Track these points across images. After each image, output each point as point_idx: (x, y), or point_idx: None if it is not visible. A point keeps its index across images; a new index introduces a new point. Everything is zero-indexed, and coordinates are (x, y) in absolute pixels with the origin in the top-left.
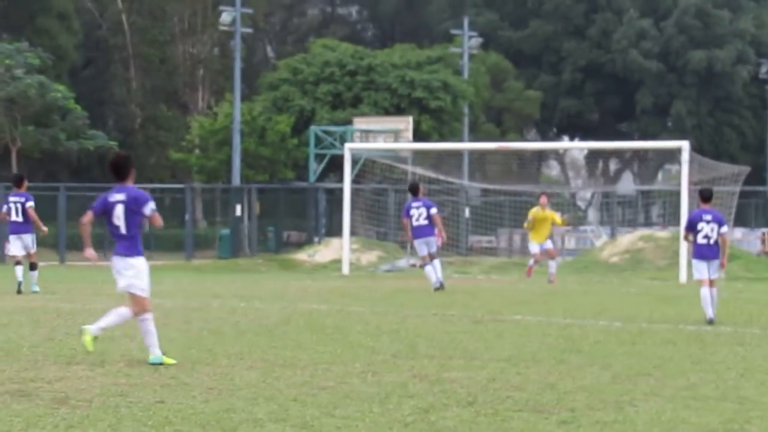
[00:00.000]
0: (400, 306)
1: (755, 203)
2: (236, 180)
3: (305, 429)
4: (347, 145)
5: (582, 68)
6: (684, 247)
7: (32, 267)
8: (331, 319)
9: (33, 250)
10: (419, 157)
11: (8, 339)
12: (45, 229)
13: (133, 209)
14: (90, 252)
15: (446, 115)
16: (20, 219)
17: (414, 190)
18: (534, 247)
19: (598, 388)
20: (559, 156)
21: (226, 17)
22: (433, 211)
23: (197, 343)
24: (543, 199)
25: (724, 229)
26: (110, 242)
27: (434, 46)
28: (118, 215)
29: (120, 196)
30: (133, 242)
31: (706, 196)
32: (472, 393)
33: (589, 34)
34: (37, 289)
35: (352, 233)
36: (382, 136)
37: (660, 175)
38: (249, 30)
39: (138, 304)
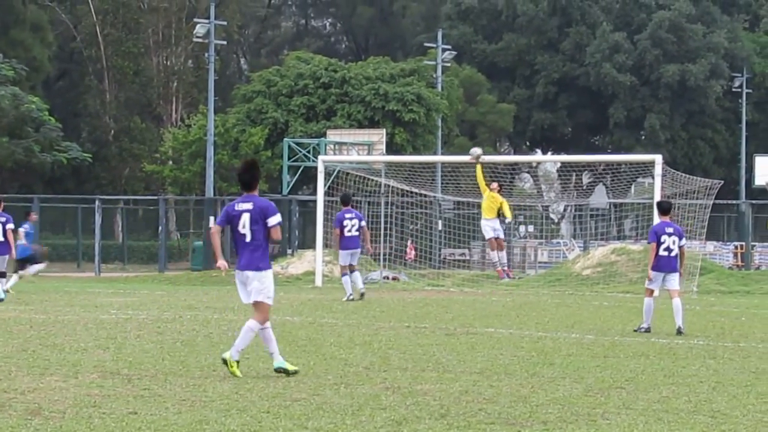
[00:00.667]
0: (373, 318)
1: (728, 217)
2: (210, 192)
3: None
4: (321, 158)
5: (555, 81)
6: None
7: (1, 275)
8: (304, 331)
9: (2, 268)
10: (393, 169)
11: None
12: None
13: (259, 219)
14: (222, 263)
15: (420, 128)
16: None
17: (347, 201)
18: (488, 230)
19: (571, 401)
20: (532, 169)
21: (200, 29)
22: (363, 223)
23: (170, 355)
24: (494, 185)
25: (683, 241)
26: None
27: (408, 59)
28: (244, 224)
29: (247, 206)
30: (262, 254)
31: (665, 208)
32: (445, 405)
33: (563, 48)
34: (2, 296)
35: (325, 245)
36: (355, 149)
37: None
38: (223, 42)
39: (264, 313)
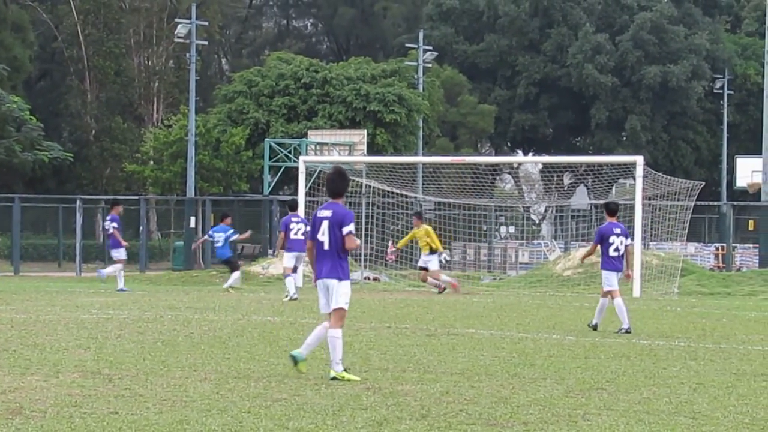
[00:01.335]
0: (354, 319)
1: (709, 218)
2: (190, 192)
3: None
4: (302, 158)
5: (537, 82)
6: (638, 262)
7: None
8: (285, 332)
9: None
10: (374, 170)
11: None
12: None
13: (336, 226)
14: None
15: (401, 129)
16: None
17: (294, 207)
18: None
19: (552, 402)
20: (513, 170)
21: (181, 29)
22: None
23: (151, 355)
24: (415, 221)
25: (629, 241)
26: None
27: (389, 60)
28: (323, 231)
29: (327, 213)
30: (341, 262)
31: (613, 209)
32: (426, 406)
33: (545, 49)
34: None
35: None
36: (336, 149)
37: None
38: (204, 42)
39: (342, 320)
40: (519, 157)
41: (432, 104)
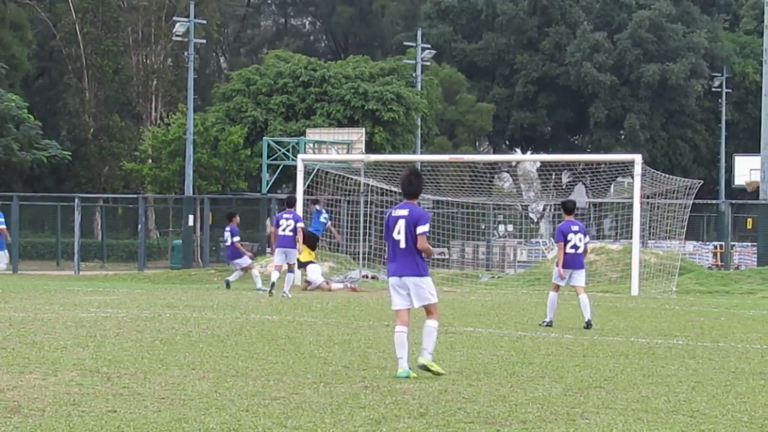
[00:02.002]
0: (352, 317)
1: (707, 217)
2: (189, 190)
3: None
4: (300, 157)
5: (535, 81)
6: (636, 260)
7: None
8: (283, 330)
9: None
10: (372, 168)
11: None
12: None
13: (412, 226)
14: None
15: (399, 127)
16: None
17: (291, 204)
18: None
19: (550, 401)
20: (511, 168)
21: (179, 28)
22: (300, 225)
23: (150, 353)
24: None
25: (587, 238)
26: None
27: (387, 58)
28: (399, 230)
29: (403, 212)
30: (419, 259)
31: (570, 208)
32: (424, 404)
33: (543, 47)
34: None
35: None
36: (334, 148)
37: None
38: (202, 41)
39: (437, 312)
40: (517, 156)
41: (430, 103)
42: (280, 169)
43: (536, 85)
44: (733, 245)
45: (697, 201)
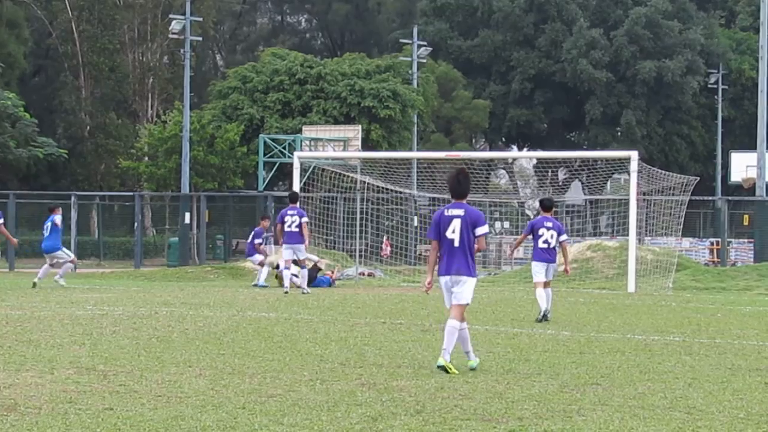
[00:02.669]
0: (349, 314)
1: (704, 213)
2: (185, 188)
3: None
4: (296, 154)
5: (531, 78)
6: (633, 257)
7: None
8: (279, 328)
9: None
10: (368, 166)
11: None
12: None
13: (470, 226)
14: (428, 280)
15: (395, 124)
16: None
17: (293, 199)
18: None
19: (546, 398)
20: (508, 165)
21: (175, 25)
22: (305, 220)
23: (146, 351)
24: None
25: (564, 237)
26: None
27: (384, 56)
28: (454, 229)
29: (458, 211)
30: (472, 261)
31: (547, 205)
32: (421, 402)
33: (539, 44)
34: None
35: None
36: (331, 145)
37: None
38: (198, 38)
39: (462, 314)
40: (513, 153)
41: (426, 100)
42: (276, 166)
43: (532, 81)
44: (730, 242)
45: (693, 198)
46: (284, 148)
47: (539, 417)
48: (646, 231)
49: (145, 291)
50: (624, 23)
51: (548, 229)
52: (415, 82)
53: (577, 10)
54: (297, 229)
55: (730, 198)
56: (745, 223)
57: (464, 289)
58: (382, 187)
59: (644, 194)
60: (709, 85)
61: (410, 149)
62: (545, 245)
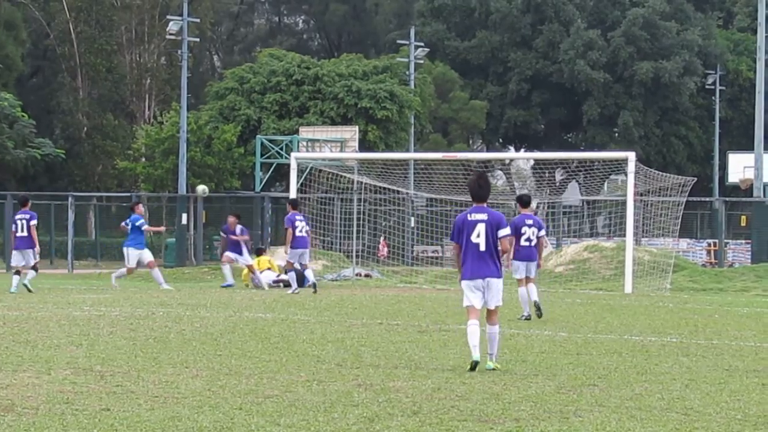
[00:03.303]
0: (346, 315)
1: (701, 214)
2: (182, 189)
3: None
4: (293, 155)
5: (528, 79)
6: (630, 257)
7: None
8: (276, 328)
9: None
10: (365, 166)
11: None
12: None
13: (494, 229)
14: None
15: (393, 125)
16: (24, 234)
17: (296, 205)
18: None
19: (543, 399)
20: (505, 166)
21: (173, 26)
22: (307, 228)
23: (143, 351)
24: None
25: (542, 232)
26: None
27: (381, 56)
28: (479, 233)
29: (482, 216)
30: (498, 262)
31: (525, 201)
32: (417, 402)
33: (536, 45)
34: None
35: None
36: (328, 146)
37: (606, 186)
38: (196, 39)
39: (496, 315)
40: (511, 153)
41: (423, 100)
42: (273, 167)
43: (530, 82)
44: (727, 242)
45: (690, 198)
46: (281, 149)
47: (536, 418)
48: (644, 232)
49: (141, 292)
50: (621, 24)
51: (529, 226)
52: (412, 83)
53: (574, 10)
54: (306, 234)
55: (727, 199)
56: (743, 224)
57: (496, 292)
58: (380, 188)
59: (641, 195)
60: (707, 86)
61: (407, 150)
62: (527, 243)
